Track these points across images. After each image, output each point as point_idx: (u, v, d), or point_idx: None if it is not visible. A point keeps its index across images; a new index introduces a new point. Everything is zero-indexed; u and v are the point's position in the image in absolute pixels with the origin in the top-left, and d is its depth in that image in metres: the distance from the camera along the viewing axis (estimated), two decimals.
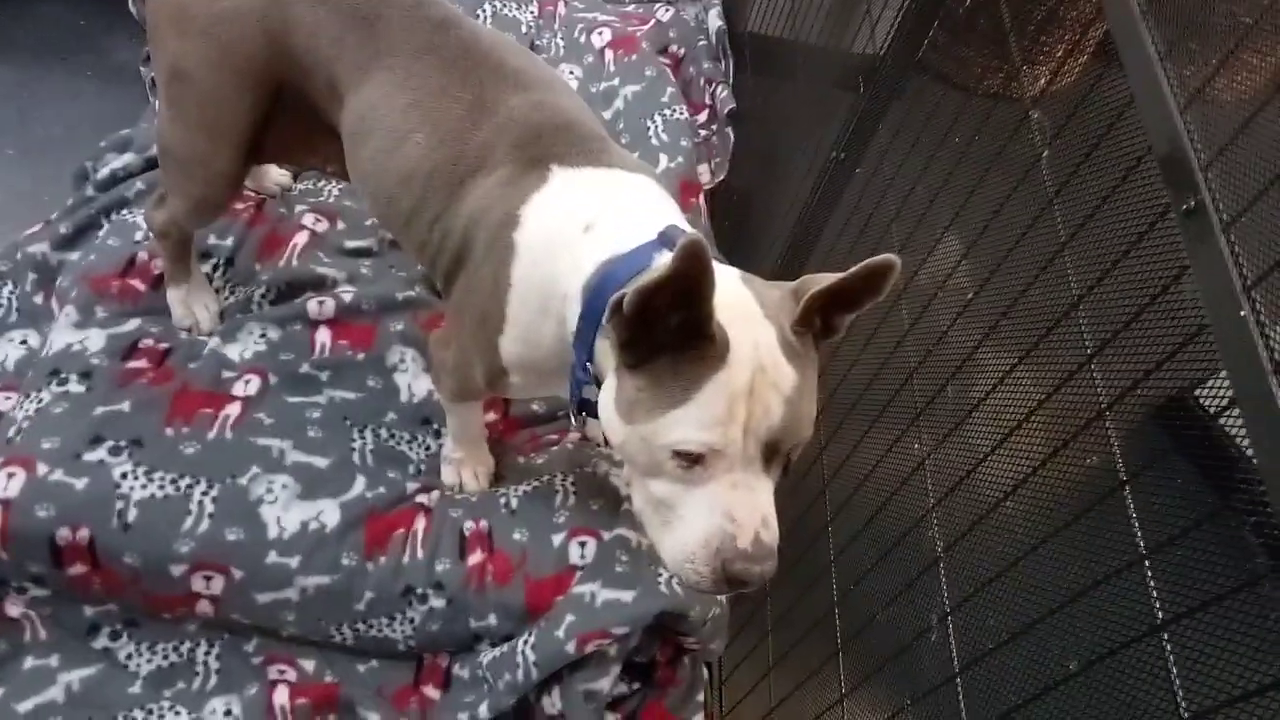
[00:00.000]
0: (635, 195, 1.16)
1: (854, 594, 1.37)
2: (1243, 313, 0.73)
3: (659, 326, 0.90)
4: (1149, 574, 0.84)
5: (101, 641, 1.39)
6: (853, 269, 0.91)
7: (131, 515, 1.33)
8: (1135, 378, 0.90)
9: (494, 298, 1.16)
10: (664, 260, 0.98)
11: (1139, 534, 0.84)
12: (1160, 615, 0.82)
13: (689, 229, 1.13)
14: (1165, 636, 0.81)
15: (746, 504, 0.94)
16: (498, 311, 1.16)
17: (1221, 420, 0.79)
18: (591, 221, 1.09)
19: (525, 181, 1.15)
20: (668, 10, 2.47)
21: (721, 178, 2.19)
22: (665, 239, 1.04)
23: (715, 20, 2.44)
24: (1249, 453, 0.72)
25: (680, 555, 0.96)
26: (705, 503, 0.94)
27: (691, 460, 0.93)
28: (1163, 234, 0.87)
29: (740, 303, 0.96)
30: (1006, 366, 1.12)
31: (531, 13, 2.37)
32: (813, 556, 1.48)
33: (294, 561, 1.35)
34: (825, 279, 0.95)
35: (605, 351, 1.03)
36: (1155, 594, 0.84)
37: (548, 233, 1.12)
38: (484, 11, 2.32)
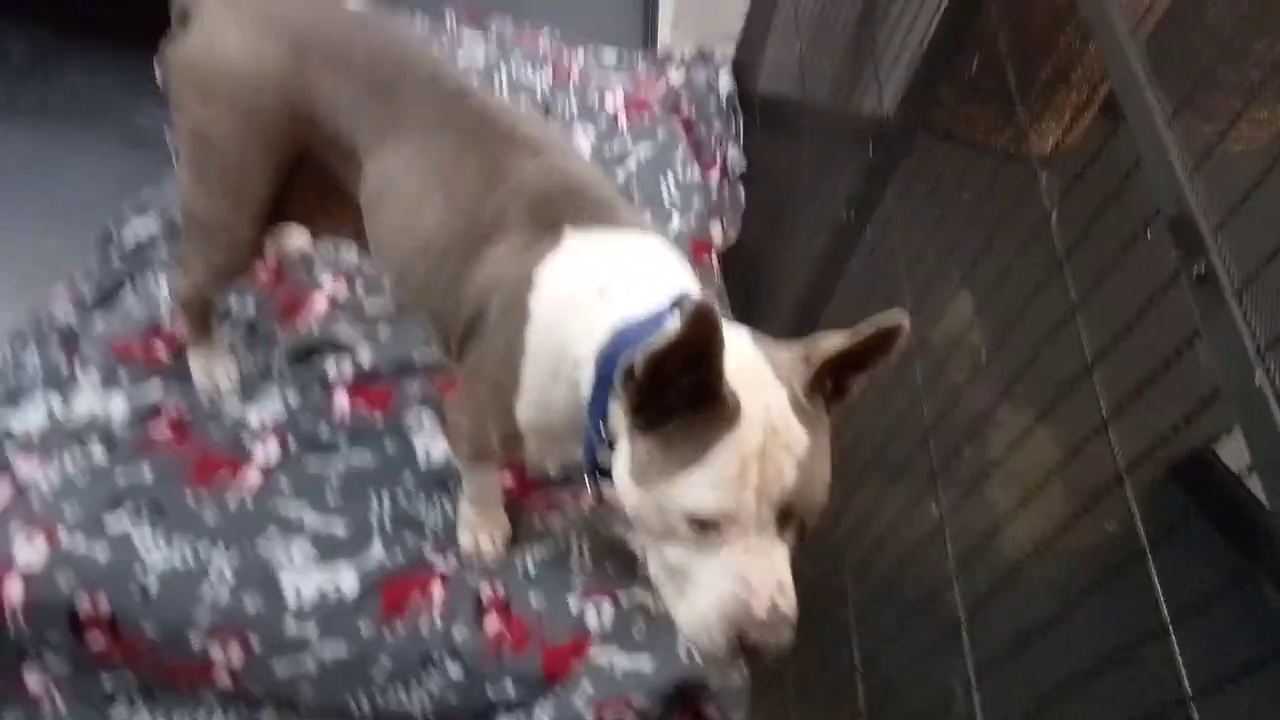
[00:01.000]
0: (648, 258, 1.17)
1: (876, 659, 1.35)
2: (1257, 378, 0.73)
3: (670, 389, 0.91)
4: (1174, 642, 0.83)
5: (119, 712, 1.38)
6: (860, 329, 0.91)
7: (151, 583, 1.33)
8: (1152, 441, 0.90)
9: (508, 362, 1.17)
10: (676, 324, 1.00)
11: (1162, 603, 0.83)
12: (1188, 685, 0.80)
13: (698, 291, 1.15)
14: (1193, 705, 0.80)
15: (762, 570, 0.92)
16: (512, 376, 1.17)
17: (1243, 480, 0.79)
18: (604, 286, 1.10)
19: (539, 245, 1.17)
20: (679, 72, 2.52)
21: (734, 236, 2.21)
22: (678, 304, 1.05)
23: (726, 82, 2.48)
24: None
25: (696, 624, 0.95)
26: (719, 569, 0.93)
27: (705, 525, 0.92)
28: (1179, 291, 0.87)
29: (752, 365, 0.96)
30: (1024, 424, 1.12)
31: (546, 76, 2.42)
32: (833, 620, 1.46)
33: (311, 629, 1.34)
34: (834, 337, 0.95)
35: (619, 415, 1.03)
36: (1181, 661, 0.83)
37: (561, 297, 1.13)
38: (499, 75, 2.37)
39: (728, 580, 0.92)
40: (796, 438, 0.93)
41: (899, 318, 0.91)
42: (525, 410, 1.19)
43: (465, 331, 1.25)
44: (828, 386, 0.98)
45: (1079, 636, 0.97)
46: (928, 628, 1.21)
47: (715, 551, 0.93)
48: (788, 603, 0.93)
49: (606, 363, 1.05)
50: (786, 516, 0.94)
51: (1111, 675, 0.89)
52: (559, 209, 1.19)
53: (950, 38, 1.52)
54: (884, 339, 0.92)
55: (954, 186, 1.42)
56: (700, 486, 0.91)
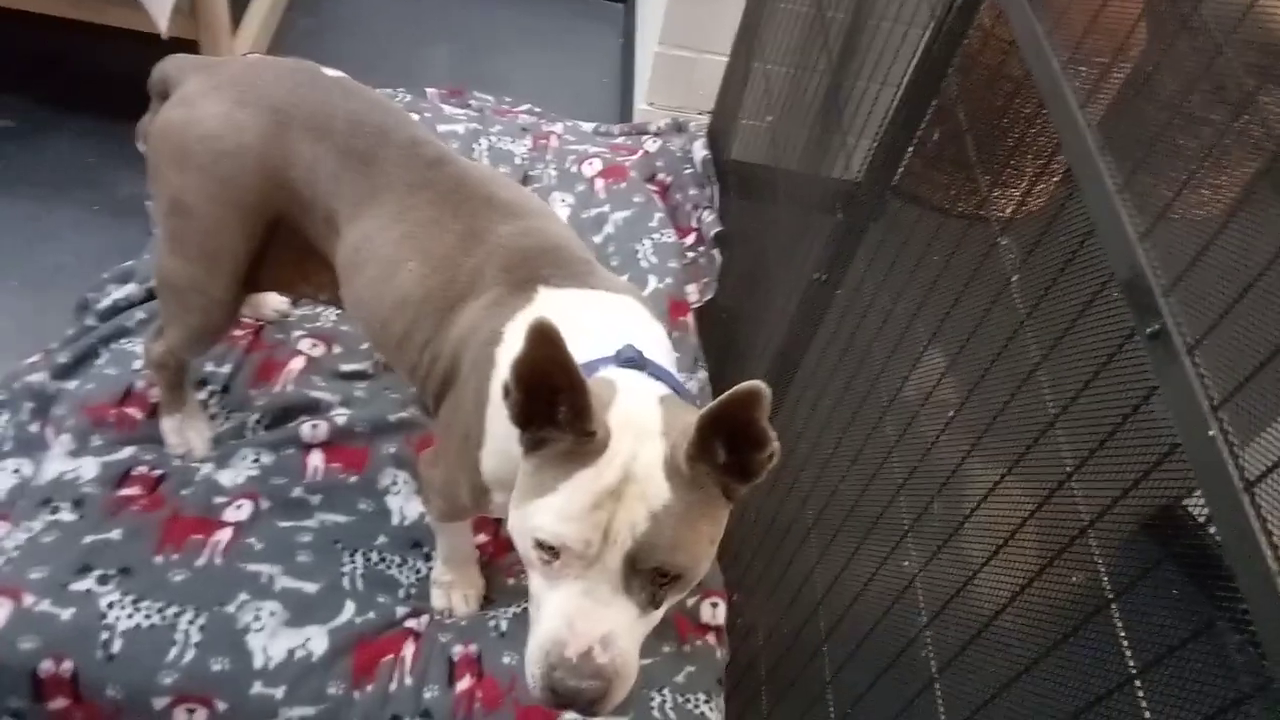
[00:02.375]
0: (611, 313, 1.19)
1: (853, 716, 1.34)
2: (1211, 432, 0.75)
3: (555, 415, 0.92)
4: (1140, 695, 0.84)
5: None
6: (722, 396, 0.89)
7: (116, 646, 1.31)
8: (1114, 496, 0.91)
9: (475, 414, 1.18)
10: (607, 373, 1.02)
11: (1128, 653, 0.84)
12: None
13: (662, 348, 1.17)
14: None
15: (591, 616, 0.91)
16: (478, 427, 1.18)
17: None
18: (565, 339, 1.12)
19: (512, 302, 1.19)
20: (655, 141, 2.58)
21: (710, 297, 2.25)
22: (619, 356, 1.07)
23: (700, 150, 2.54)
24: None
25: (527, 658, 0.95)
26: (554, 605, 0.93)
27: (550, 555, 0.92)
28: (1137, 347, 0.90)
29: (640, 417, 0.96)
30: (994, 478, 1.13)
31: (525, 145, 2.48)
32: (808, 679, 1.45)
33: (279, 692, 1.32)
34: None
35: None
36: (1149, 715, 0.83)
37: None
38: (480, 145, 2.42)
39: (556, 618, 0.92)
40: (656, 491, 0.91)
41: (756, 385, 0.87)
42: (489, 461, 1.19)
43: (440, 385, 1.27)
44: (719, 456, 0.94)
45: (1055, 687, 0.97)
46: (904, 683, 1.21)
47: (556, 587, 0.93)
48: (608, 657, 0.91)
49: None
50: (636, 569, 0.92)
51: None
52: (534, 268, 1.22)
53: (914, 109, 1.57)
54: (742, 402, 0.87)
55: (923, 248, 1.46)
56: (548, 513, 0.92)
